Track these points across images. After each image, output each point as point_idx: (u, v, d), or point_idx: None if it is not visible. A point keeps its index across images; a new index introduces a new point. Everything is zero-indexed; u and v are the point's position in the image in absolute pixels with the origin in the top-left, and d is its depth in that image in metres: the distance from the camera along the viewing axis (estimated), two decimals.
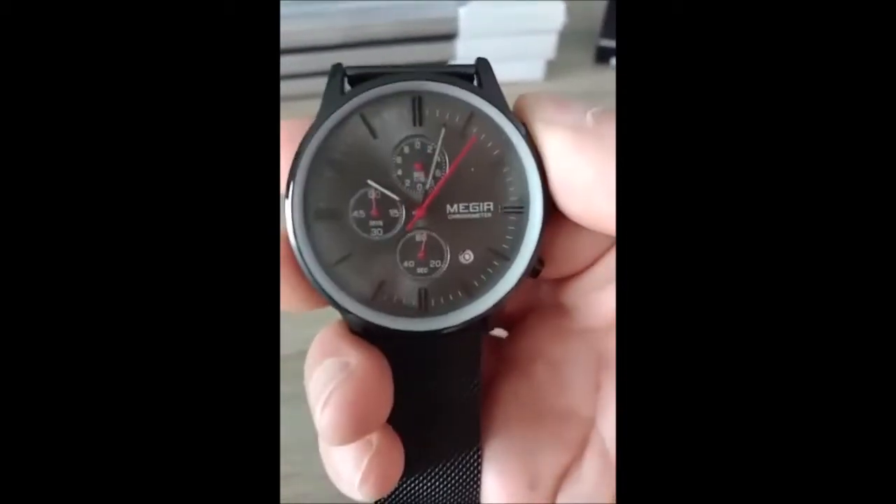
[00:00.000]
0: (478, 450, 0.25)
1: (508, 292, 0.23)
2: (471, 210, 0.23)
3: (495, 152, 0.23)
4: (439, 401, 0.25)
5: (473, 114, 0.23)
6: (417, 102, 0.23)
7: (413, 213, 0.23)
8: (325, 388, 0.21)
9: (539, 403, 0.25)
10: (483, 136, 0.23)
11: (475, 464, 0.25)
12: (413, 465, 0.24)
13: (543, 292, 0.27)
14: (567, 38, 0.69)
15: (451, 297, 0.24)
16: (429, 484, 0.25)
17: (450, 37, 0.66)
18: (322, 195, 0.23)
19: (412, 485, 0.25)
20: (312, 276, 0.23)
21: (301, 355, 0.24)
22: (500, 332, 0.28)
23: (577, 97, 0.22)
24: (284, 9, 0.64)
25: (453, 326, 0.23)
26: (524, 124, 0.23)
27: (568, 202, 0.22)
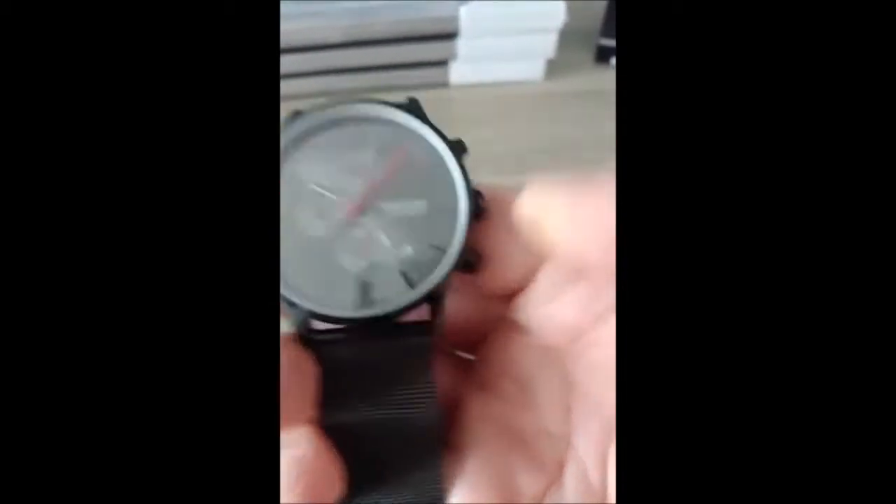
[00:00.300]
0: (439, 470, 0.24)
1: (443, 277, 0.25)
2: (406, 207, 0.26)
3: (424, 158, 0.26)
4: (390, 414, 0.25)
5: (403, 129, 0.27)
6: (356, 123, 0.27)
7: (351, 209, 0.26)
8: None
9: (511, 423, 0.25)
10: (412, 145, 0.27)
11: (436, 486, 0.24)
12: (362, 486, 0.24)
13: (502, 310, 0.27)
14: (567, 37, 0.68)
15: (392, 289, 0.25)
16: None
17: (450, 36, 0.66)
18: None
19: None
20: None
21: None
22: (466, 356, 0.28)
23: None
24: (284, 8, 0.64)
25: (393, 311, 0.25)
26: (454, 140, 0.26)
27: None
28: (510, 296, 0.26)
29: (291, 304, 0.24)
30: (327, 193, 0.26)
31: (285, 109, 0.27)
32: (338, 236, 0.26)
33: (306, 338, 0.25)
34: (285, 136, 0.26)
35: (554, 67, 0.71)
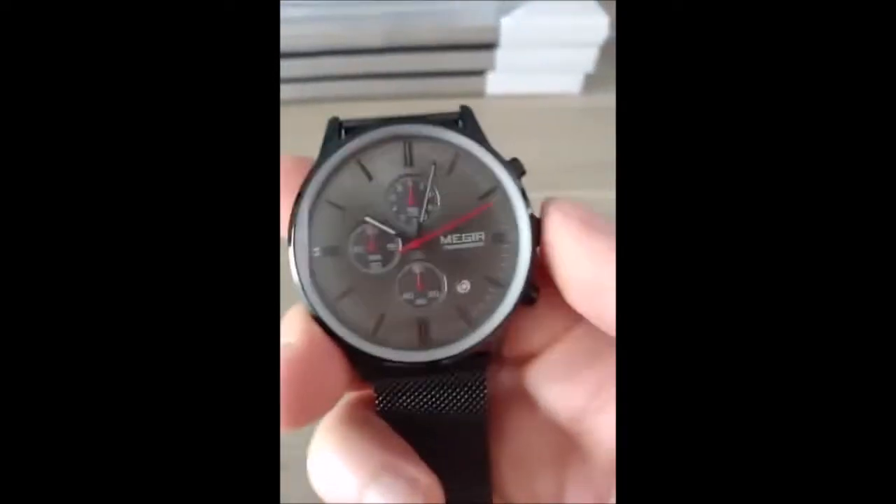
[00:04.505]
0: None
1: (506, 318, 0.24)
2: (463, 240, 0.25)
3: (482, 186, 0.25)
4: (445, 445, 0.24)
5: (459, 153, 0.25)
6: (408, 145, 0.25)
7: (408, 245, 0.24)
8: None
9: (504, 495, 0.25)
10: (469, 171, 0.25)
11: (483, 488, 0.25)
12: None
13: (506, 378, 0.26)
14: (607, 52, 0.68)
15: (451, 327, 0.24)
16: None
17: (490, 46, 0.66)
18: (323, 235, 0.24)
19: None
20: (316, 313, 0.23)
21: None
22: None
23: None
24: (327, 9, 0.64)
25: (453, 356, 0.24)
26: (511, 160, 0.25)
27: (572, 296, 0.23)
28: (519, 364, 0.26)
29: (348, 346, 0.23)
30: (384, 228, 0.24)
31: (325, 111, 0.27)
32: (394, 273, 0.24)
33: (365, 369, 0.24)
34: (330, 152, 0.25)
35: (591, 81, 0.71)
